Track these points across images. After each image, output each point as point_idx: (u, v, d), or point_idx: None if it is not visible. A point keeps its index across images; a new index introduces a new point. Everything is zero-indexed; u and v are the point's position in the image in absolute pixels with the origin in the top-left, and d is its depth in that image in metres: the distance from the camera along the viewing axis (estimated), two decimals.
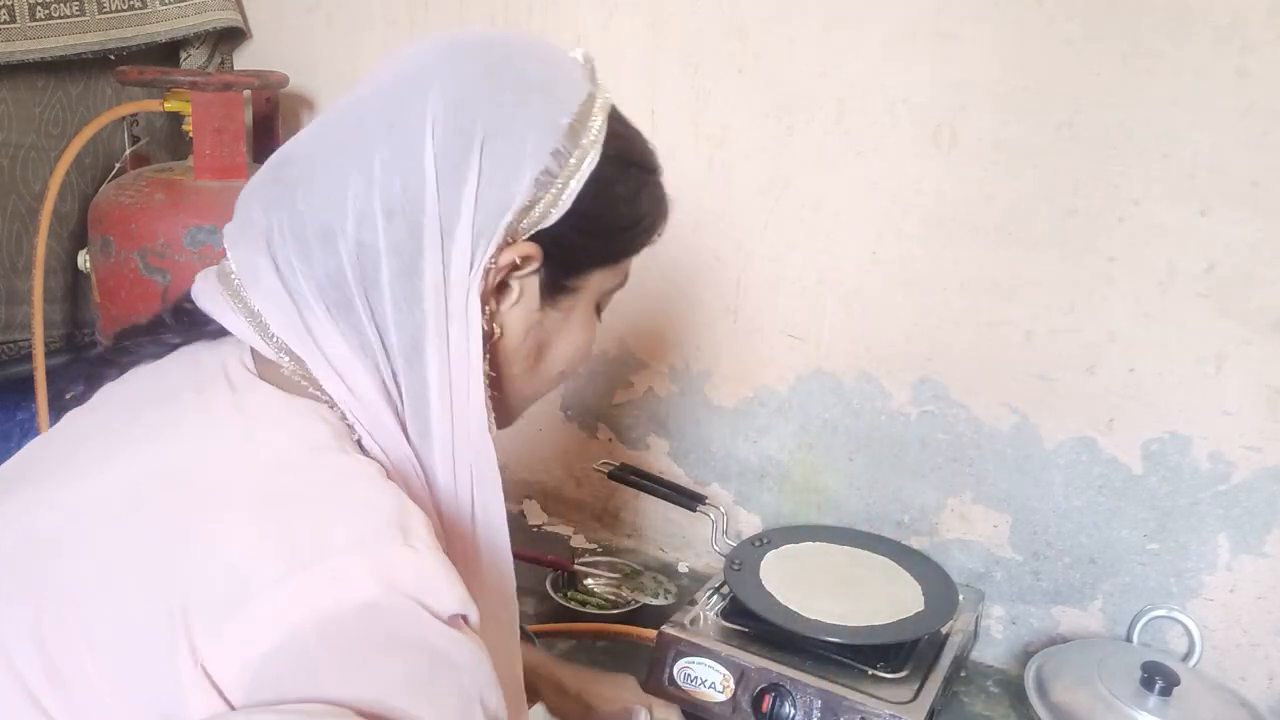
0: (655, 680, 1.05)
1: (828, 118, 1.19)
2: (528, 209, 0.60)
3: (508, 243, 0.60)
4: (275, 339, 0.60)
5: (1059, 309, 1.11)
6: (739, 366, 1.33)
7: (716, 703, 1.01)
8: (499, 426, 0.67)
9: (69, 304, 1.58)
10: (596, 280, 0.68)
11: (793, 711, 0.97)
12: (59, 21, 1.45)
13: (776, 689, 0.98)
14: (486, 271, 0.60)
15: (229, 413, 0.58)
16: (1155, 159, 1.03)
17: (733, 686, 1.00)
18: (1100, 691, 0.98)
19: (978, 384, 1.17)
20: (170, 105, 1.43)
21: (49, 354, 1.51)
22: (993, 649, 1.22)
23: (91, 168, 1.56)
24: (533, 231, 0.61)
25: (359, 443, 0.60)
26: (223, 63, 1.65)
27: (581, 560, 1.35)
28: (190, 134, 1.41)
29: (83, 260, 1.46)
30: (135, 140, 1.58)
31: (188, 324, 0.66)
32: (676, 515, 1.40)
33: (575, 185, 0.61)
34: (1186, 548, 1.09)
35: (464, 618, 0.53)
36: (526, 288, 0.64)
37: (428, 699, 0.50)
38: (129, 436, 0.59)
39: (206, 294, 0.63)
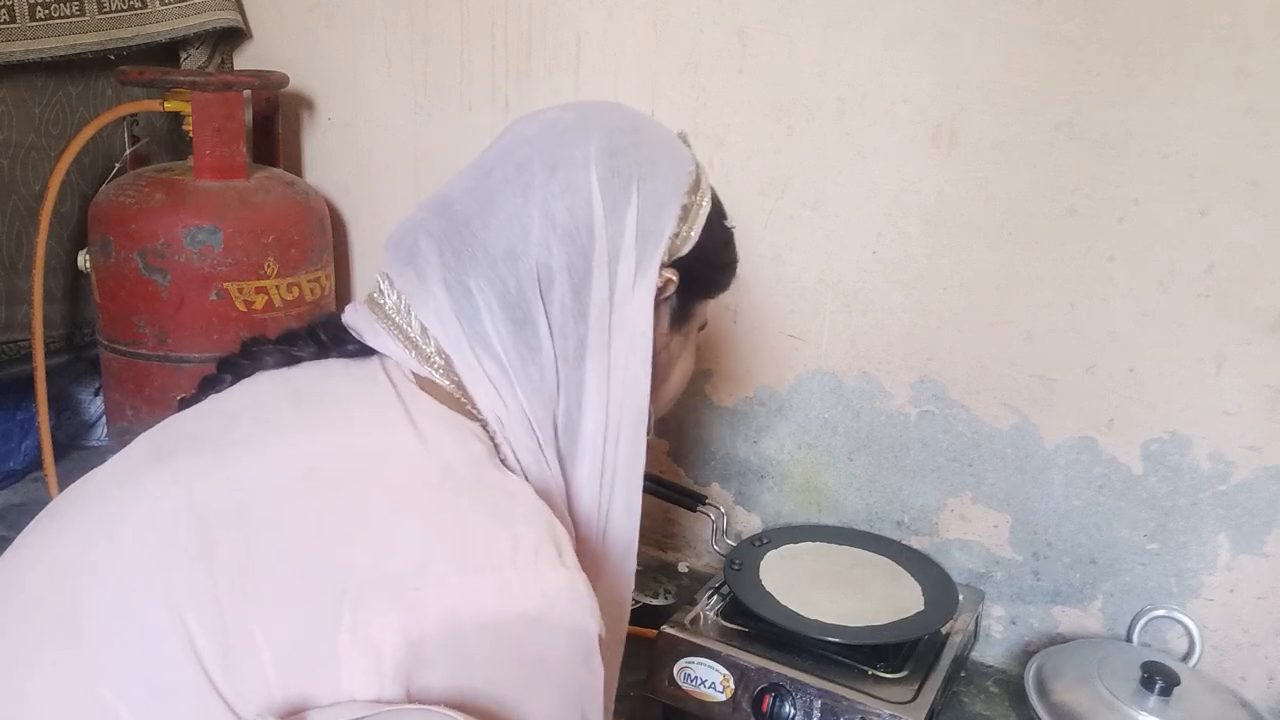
0: (655, 680, 1.05)
1: (828, 118, 1.19)
2: (673, 239, 0.70)
3: (663, 263, 0.69)
4: (433, 359, 0.66)
5: (1059, 309, 1.11)
6: (739, 366, 1.33)
7: (716, 703, 1.01)
8: None
9: (69, 304, 1.58)
10: (700, 312, 0.79)
11: (793, 711, 0.97)
12: (59, 21, 1.45)
13: (776, 689, 0.98)
14: (657, 286, 0.69)
15: (399, 416, 0.62)
16: (1155, 159, 1.03)
17: (733, 686, 1.00)
18: (1100, 691, 0.98)
19: (978, 384, 1.17)
20: (170, 105, 1.43)
21: (49, 354, 1.51)
22: (993, 649, 1.22)
23: (91, 168, 1.56)
24: (675, 259, 0.71)
25: (503, 461, 0.66)
26: (223, 63, 1.65)
27: None
28: (190, 134, 1.41)
29: (83, 260, 1.46)
30: (135, 140, 1.58)
31: (330, 339, 0.71)
32: (676, 515, 1.41)
33: (701, 221, 0.72)
34: (1186, 548, 1.09)
35: (600, 639, 0.58)
36: (661, 314, 0.73)
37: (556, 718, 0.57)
38: (303, 424, 0.62)
39: (357, 319, 0.69)
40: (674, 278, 0.71)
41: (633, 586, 0.76)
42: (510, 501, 0.60)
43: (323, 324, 0.72)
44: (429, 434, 0.61)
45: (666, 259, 0.69)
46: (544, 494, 0.65)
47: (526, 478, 0.66)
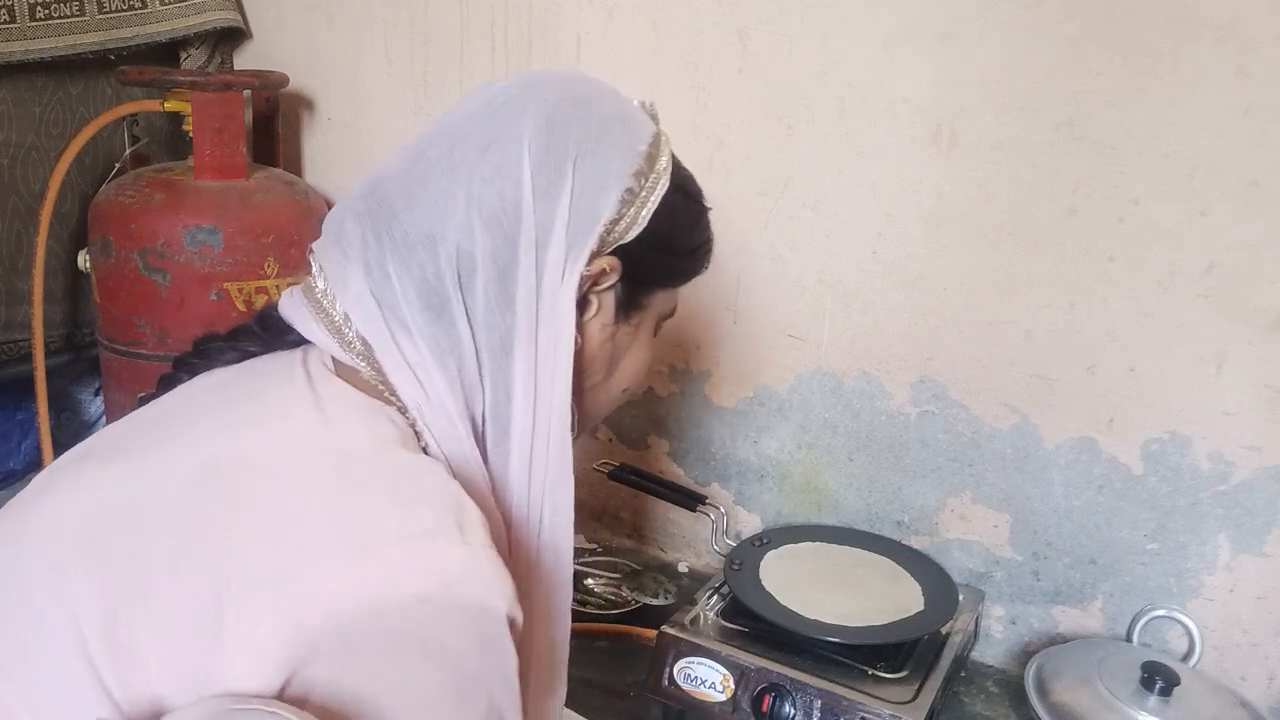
0: (655, 680, 1.05)
1: (828, 118, 1.19)
2: (612, 225, 0.65)
3: (596, 254, 0.65)
4: (354, 345, 0.63)
5: (1059, 309, 1.11)
6: (739, 366, 1.33)
7: (716, 703, 1.01)
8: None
9: (69, 304, 1.58)
10: (659, 301, 0.73)
11: (793, 711, 0.97)
12: (59, 21, 1.45)
13: (776, 689, 0.98)
14: (582, 279, 0.64)
15: (306, 404, 0.61)
16: (1155, 159, 1.03)
17: (733, 686, 1.00)
18: (1100, 691, 0.98)
19: (978, 384, 1.17)
20: (170, 105, 1.43)
21: (49, 354, 1.51)
22: (993, 649, 1.22)
23: (91, 168, 1.56)
24: (614, 247, 0.66)
25: (424, 449, 0.63)
26: (223, 63, 1.65)
27: (581, 560, 1.35)
28: (190, 134, 1.41)
29: (83, 260, 1.46)
30: (135, 140, 1.58)
31: (268, 334, 0.69)
32: (676, 515, 1.41)
33: (652, 204, 0.66)
34: (1186, 548, 1.09)
35: (511, 621, 0.54)
36: (604, 302, 0.68)
37: (454, 710, 0.53)
38: (208, 423, 0.61)
39: (290, 306, 0.67)
40: (610, 267, 0.66)
41: (570, 596, 0.71)
42: (413, 480, 0.57)
43: (263, 316, 0.70)
44: (334, 420, 0.59)
45: (597, 247, 0.65)
46: (469, 485, 0.61)
47: (451, 464, 0.63)
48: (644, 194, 0.66)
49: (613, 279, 0.67)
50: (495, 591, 0.54)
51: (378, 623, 0.51)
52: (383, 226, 0.63)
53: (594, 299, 0.67)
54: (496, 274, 0.62)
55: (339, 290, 0.64)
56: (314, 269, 0.66)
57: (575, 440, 0.69)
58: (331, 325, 0.64)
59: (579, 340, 0.67)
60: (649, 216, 0.66)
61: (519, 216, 0.62)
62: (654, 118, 0.72)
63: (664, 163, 0.68)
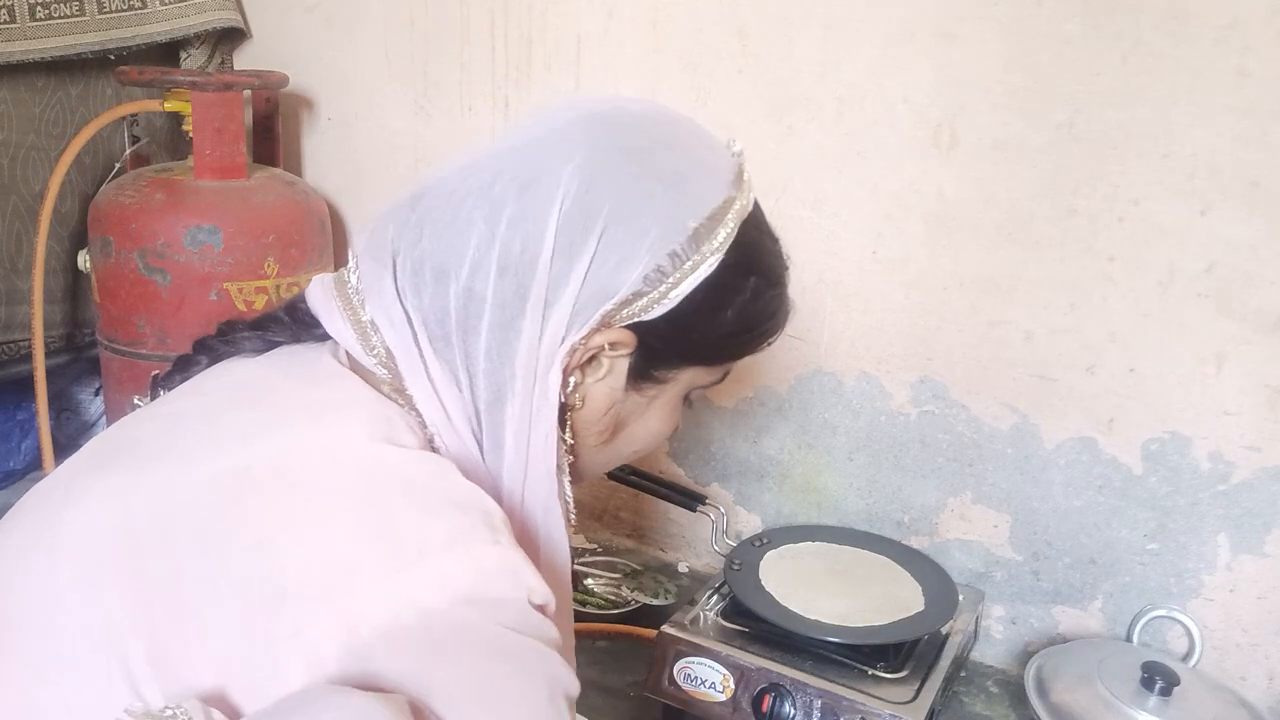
0: (655, 680, 1.05)
1: (828, 118, 1.19)
2: (629, 301, 0.61)
3: (603, 326, 0.61)
4: (378, 352, 0.62)
5: (1059, 309, 1.11)
6: (739, 366, 1.32)
7: (716, 703, 1.01)
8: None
9: (69, 304, 1.58)
10: (689, 375, 0.69)
11: (793, 711, 0.97)
12: (59, 21, 1.45)
13: (776, 689, 0.98)
14: (574, 349, 0.62)
15: (331, 408, 0.60)
16: (1155, 159, 1.03)
17: (733, 686, 1.00)
18: (1100, 691, 0.98)
19: (978, 384, 1.17)
20: (170, 105, 1.43)
21: (49, 354, 1.51)
22: (993, 649, 1.22)
23: (91, 168, 1.56)
24: (631, 321, 0.62)
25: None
26: (223, 63, 1.65)
27: (581, 560, 1.35)
28: (190, 134, 1.41)
29: (83, 260, 1.46)
30: (135, 140, 1.58)
31: (296, 325, 0.68)
32: (676, 515, 1.41)
33: (685, 288, 0.62)
34: (1186, 548, 1.09)
35: (542, 607, 0.56)
36: (616, 367, 0.65)
37: (520, 691, 0.53)
38: (234, 428, 0.60)
39: (319, 298, 0.65)
40: (625, 341, 0.62)
41: (572, 643, 0.70)
42: (442, 483, 0.57)
43: (292, 305, 0.69)
44: (356, 424, 0.59)
45: (604, 321, 0.61)
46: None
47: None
48: (677, 275, 0.61)
49: (626, 350, 0.64)
50: (528, 586, 0.55)
51: (435, 626, 0.51)
52: (410, 247, 0.62)
53: (605, 360, 0.64)
54: (502, 322, 0.60)
55: (371, 295, 0.63)
56: (350, 263, 0.65)
57: (576, 485, 0.69)
58: (358, 327, 0.63)
59: (579, 401, 0.65)
60: (678, 299, 0.61)
61: (534, 270, 0.59)
62: (738, 176, 0.66)
63: (718, 241, 0.62)
